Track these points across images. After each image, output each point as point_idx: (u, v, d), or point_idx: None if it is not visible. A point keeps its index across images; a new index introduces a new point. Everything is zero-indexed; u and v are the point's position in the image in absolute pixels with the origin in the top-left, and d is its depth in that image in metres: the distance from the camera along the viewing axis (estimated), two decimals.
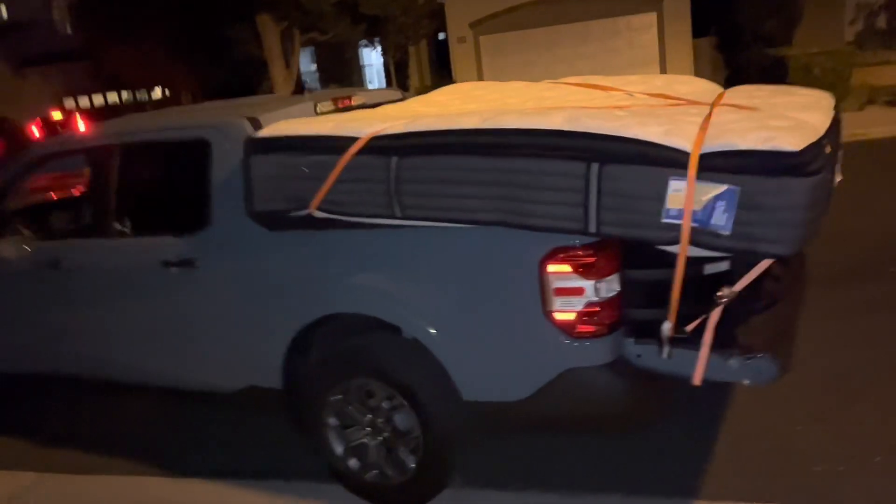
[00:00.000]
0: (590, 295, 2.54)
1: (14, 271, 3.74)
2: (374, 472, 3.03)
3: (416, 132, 2.64)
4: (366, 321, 2.89)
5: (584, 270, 2.53)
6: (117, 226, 3.52)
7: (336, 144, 2.75)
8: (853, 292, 4.79)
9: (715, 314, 2.51)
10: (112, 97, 24.76)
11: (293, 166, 2.83)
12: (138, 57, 17.29)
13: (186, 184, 3.23)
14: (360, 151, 2.69)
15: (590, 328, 2.57)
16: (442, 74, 20.96)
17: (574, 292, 2.55)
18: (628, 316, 2.62)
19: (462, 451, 2.93)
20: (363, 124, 2.81)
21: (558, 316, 2.58)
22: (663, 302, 2.44)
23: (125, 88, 23.54)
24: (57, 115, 20.68)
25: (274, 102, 3.67)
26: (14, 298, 3.85)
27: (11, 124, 18.41)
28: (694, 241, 2.28)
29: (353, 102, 3.76)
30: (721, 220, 2.21)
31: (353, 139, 2.72)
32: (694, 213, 2.24)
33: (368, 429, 3.02)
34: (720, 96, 3.17)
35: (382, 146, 2.67)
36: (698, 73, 15.79)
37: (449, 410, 2.81)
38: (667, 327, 2.56)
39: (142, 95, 23.57)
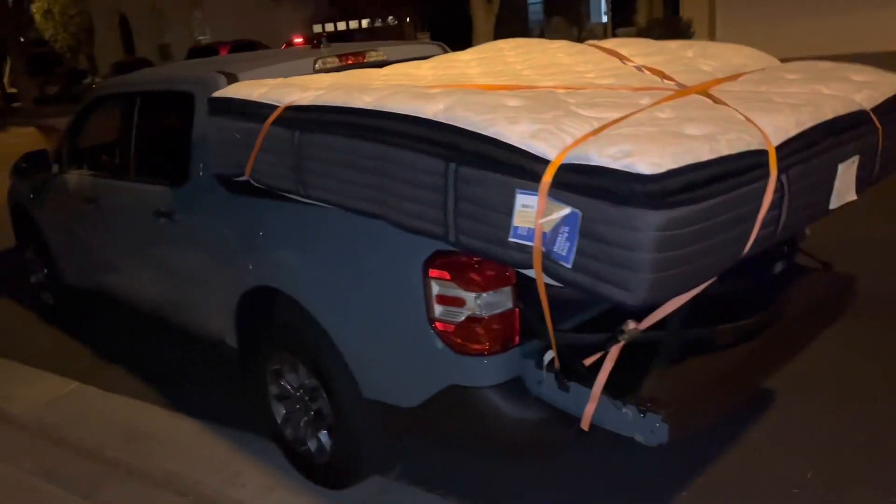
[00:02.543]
0: (471, 308, 2.23)
1: (74, 203, 4.14)
2: (304, 447, 2.98)
3: (317, 106, 2.44)
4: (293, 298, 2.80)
5: (463, 280, 2.21)
6: (133, 171, 3.72)
7: (261, 112, 2.63)
8: None
9: (614, 351, 2.10)
10: (353, 24, 26.21)
11: (231, 130, 2.77)
12: None
13: (178, 137, 3.30)
14: (275, 122, 2.56)
15: (473, 344, 2.26)
16: (671, 8, 19.48)
17: (455, 302, 2.25)
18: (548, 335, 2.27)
19: (378, 447, 2.78)
20: (298, 91, 2.64)
21: (441, 326, 2.30)
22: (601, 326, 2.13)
23: (360, 17, 24.74)
24: (298, 41, 22.38)
25: (276, 56, 3.60)
26: (74, 225, 4.29)
27: (261, 49, 20.28)
28: (544, 269, 1.89)
29: (371, 59, 3.57)
30: (563, 248, 1.80)
31: (275, 108, 2.58)
32: (544, 235, 1.85)
33: (298, 405, 2.96)
34: (727, 79, 2.56)
35: (290, 118, 2.51)
36: None
37: (354, 404, 2.66)
38: (548, 357, 2.20)
39: (372, 24, 24.66)
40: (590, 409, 2.13)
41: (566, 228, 1.79)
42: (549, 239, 1.83)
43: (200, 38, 28.63)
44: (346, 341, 2.60)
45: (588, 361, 2.17)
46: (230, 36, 24.42)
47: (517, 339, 2.29)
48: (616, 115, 2.06)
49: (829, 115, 2.13)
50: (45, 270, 4.86)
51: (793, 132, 2.01)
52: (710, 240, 1.78)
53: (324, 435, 2.87)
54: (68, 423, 3.72)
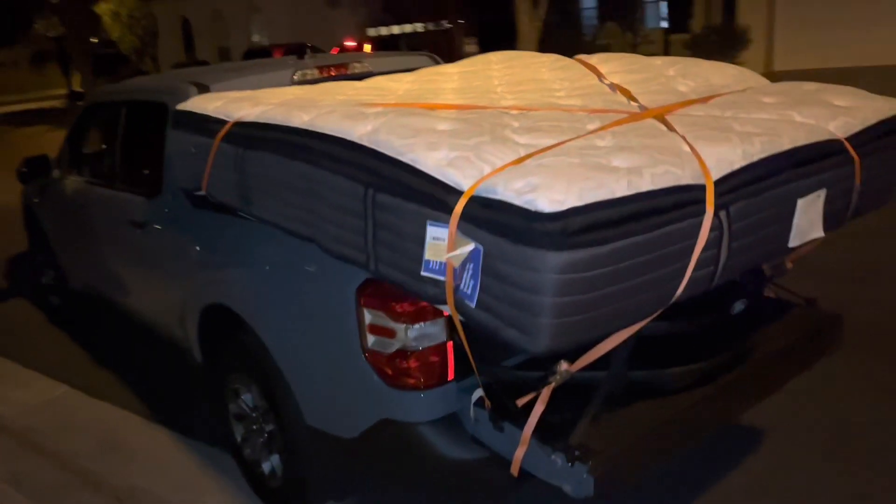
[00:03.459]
0: (402, 339, 2.12)
1: (71, 208, 4.19)
2: (260, 469, 2.91)
3: (258, 123, 2.37)
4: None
5: (393, 311, 2.11)
6: (116, 179, 3.73)
7: (212, 127, 2.58)
8: None
9: (545, 393, 1.97)
10: (407, 29, 26.31)
11: (189, 144, 2.73)
12: None
13: (153, 148, 3.27)
14: (224, 138, 2.50)
15: (405, 378, 2.15)
16: (728, 15, 18.95)
17: (386, 333, 2.15)
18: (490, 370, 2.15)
19: (327, 475, 2.68)
20: (249, 106, 2.58)
21: (372, 357, 2.20)
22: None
23: (412, 22, 24.83)
24: (350, 44, 22.54)
25: (257, 67, 3.55)
26: (71, 230, 4.35)
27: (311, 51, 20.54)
28: (456, 306, 1.77)
29: (354, 70, 3.49)
30: (468, 286, 1.69)
31: (225, 123, 2.52)
32: (455, 270, 1.73)
33: (255, 426, 2.90)
34: (698, 101, 2.39)
35: (236, 134, 2.45)
36: None
37: (299, 430, 2.57)
38: (476, 395, 2.08)
39: (424, 29, 24.71)
40: (519, 454, 2.00)
41: (471, 265, 1.67)
42: (458, 274, 1.72)
43: (257, 40, 29.16)
44: (290, 366, 2.52)
45: (521, 402, 2.04)
46: (287, 39, 24.77)
47: (451, 373, 2.18)
48: (550, 141, 1.93)
49: (787, 146, 1.96)
50: (52, 273, 4.93)
51: (738, 164, 1.84)
52: (626, 282, 1.63)
53: (275, 458, 2.80)
54: (50, 428, 3.74)
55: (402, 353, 2.12)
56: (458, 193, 1.72)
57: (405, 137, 1.91)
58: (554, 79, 2.89)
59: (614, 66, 2.95)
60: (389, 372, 2.16)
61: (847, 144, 2.13)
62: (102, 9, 30.66)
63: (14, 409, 3.96)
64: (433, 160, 1.80)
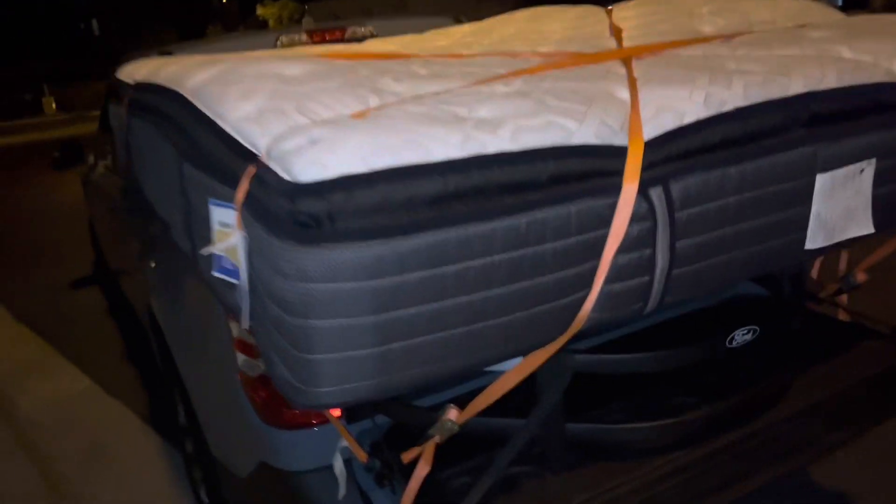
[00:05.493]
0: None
1: (99, 193, 4.01)
2: (200, 492, 2.51)
3: (139, 84, 1.92)
4: None
5: None
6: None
7: (123, 94, 2.17)
8: None
9: (429, 450, 1.39)
10: None
11: (116, 118, 2.37)
12: None
13: None
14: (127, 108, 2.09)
15: (274, 412, 1.64)
16: None
17: (250, 351, 1.65)
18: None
19: None
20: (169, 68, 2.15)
21: (243, 381, 1.70)
22: None
23: None
24: None
25: (242, 36, 3.13)
26: (101, 215, 4.16)
27: None
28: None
29: (353, 35, 2.99)
30: (242, 296, 1.13)
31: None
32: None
33: (187, 448, 2.51)
34: (711, 39, 1.68)
35: (129, 100, 2.02)
36: None
37: (207, 459, 2.13)
38: (341, 445, 1.53)
39: None
40: None
41: (244, 264, 1.12)
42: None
43: None
44: (192, 385, 2.08)
45: (408, 457, 1.47)
46: None
47: (339, 410, 1.63)
48: (436, 88, 1.34)
49: (796, 90, 1.24)
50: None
51: (692, 117, 1.16)
52: (450, 299, 1.02)
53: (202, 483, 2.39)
54: (53, 427, 3.59)
55: (266, 379, 1.60)
56: (252, 158, 1.17)
57: (226, 85, 1.38)
58: (557, 29, 2.26)
59: (644, 9, 2.27)
60: (258, 401, 1.66)
61: None
62: (267, 12, 32.37)
63: (32, 403, 3.85)
64: (239, 113, 1.26)
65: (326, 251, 0.94)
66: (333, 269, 0.94)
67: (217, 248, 1.14)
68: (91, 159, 4.26)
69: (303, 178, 0.96)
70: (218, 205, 1.21)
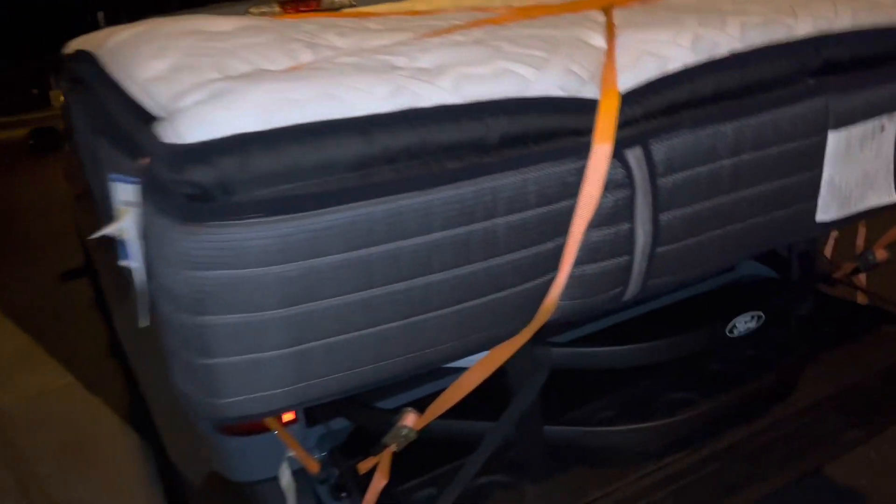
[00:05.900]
0: None
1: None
2: None
3: (72, 53, 1.75)
4: None
5: None
6: None
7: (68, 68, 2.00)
8: None
9: (385, 460, 1.23)
10: None
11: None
12: None
13: None
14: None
15: None
16: None
17: None
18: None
19: None
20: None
21: None
22: None
23: None
24: None
25: (212, 7, 2.93)
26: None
27: None
28: None
29: (332, 4, 2.80)
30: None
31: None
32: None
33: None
34: None
35: (63, 72, 1.86)
36: None
37: (165, 461, 1.98)
38: (288, 454, 1.36)
39: None
40: None
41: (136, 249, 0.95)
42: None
43: None
44: (146, 389, 1.92)
45: (364, 467, 1.30)
46: None
47: (293, 413, 1.46)
48: (383, 43, 1.15)
49: (802, 33, 1.04)
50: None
51: (676, 65, 0.96)
52: (382, 287, 0.84)
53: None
54: (30, 423, 3.47)
55: None
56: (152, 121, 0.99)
57: (141, 43, 1.20)
58: None
59: None
60: None
61: None
62: None
63: (12, 398, 3.74)
64: (149, 73, 1.08)
65: (216, 230, 0.75)
66: (227, 253, 0.76)
67: (108, 230, 0.96)
68: (67, 147, 4.09)
69: (188, 139, 0.78)
70: (119, 180, 1.03)
